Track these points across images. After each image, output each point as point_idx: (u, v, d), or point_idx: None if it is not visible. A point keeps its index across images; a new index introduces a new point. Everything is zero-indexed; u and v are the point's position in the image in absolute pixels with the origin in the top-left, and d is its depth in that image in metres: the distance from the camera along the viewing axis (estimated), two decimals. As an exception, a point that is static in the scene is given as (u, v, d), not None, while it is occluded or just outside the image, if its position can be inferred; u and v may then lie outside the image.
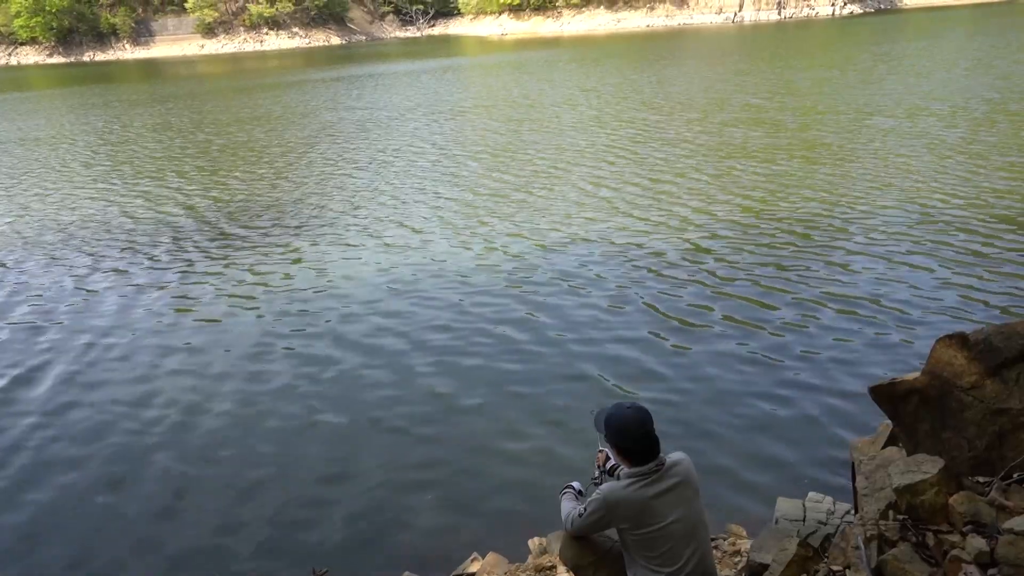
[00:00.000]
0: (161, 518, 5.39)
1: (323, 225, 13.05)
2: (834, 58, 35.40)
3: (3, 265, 11.64)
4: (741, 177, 14.54)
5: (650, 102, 25.28)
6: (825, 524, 3.71)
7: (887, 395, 2.17)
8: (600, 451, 3.53)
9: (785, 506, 3.99)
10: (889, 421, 3.62)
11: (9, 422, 6.87)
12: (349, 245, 11.85)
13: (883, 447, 3.03)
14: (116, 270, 11.08)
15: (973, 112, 19.34)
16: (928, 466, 1.94)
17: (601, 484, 3.41)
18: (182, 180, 17.46)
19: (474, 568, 4.49)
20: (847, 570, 2.98)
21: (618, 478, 3.41)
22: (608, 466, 3.47)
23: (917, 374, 2.28)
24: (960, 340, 2.19)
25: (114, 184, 17.43)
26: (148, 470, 6.00)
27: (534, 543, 4.61)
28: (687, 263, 9.98)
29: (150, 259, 11.53)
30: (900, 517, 1.86)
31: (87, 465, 6.12)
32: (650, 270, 9.86)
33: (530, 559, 4.49)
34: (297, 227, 13.03)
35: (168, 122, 28.21)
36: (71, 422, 6.82)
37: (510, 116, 24.65)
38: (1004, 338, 2.29)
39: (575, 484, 3.46)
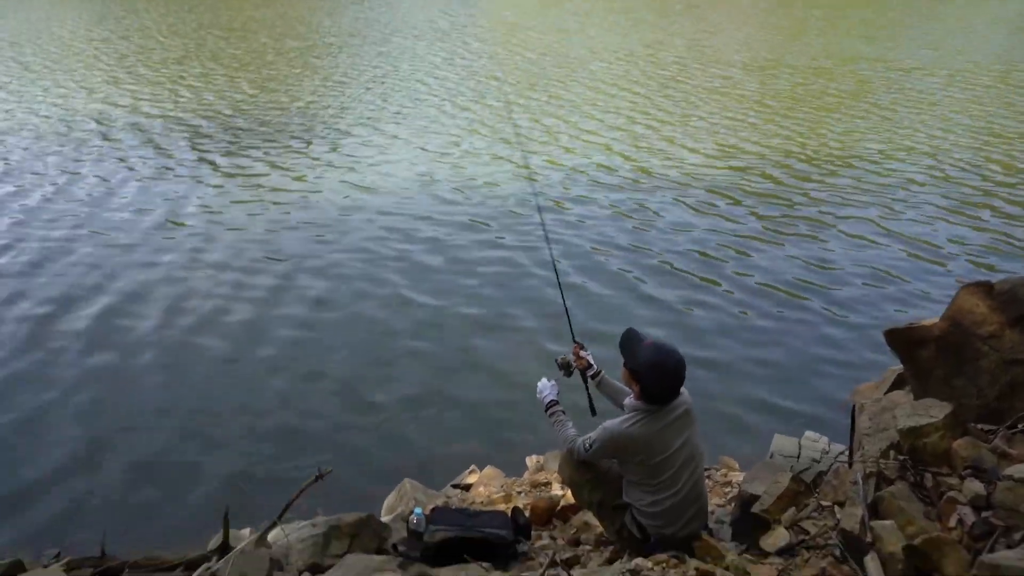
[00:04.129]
0: (192, 415, 5.49)
1: (345, 132, 12.88)
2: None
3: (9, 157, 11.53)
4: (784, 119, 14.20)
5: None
6: (819, 462, 3.78)
7: (903, 339, 2.16)
8: (583, 351, 3.50)
9: (781, 442, 4.05)
10: (895, 367, 3.64)
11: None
12: (377, 149, 11.74)
13: (886, 392, 3.05)
14: (130, 168, 11.02)
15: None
16: (936, 410, 1.95)
17: (568, 372, 3.46)
18: (204, 82, 17.11)
19: (472, 479, 4.63)
20: (836, 505, 3.06)
21: (596, 382, 3.45)
22: (589, 373, 3.49)
23: (936, 320, 2.26)
24: (985, 289, 2.16)
25: (132, 83, 17.11)
26: (164, 366, 6.12)
27: (531, 460, 4.74)
28: (717, 198, 9.89)
29: (168, 159, 11.41)
30: (900, 458, 1.88)
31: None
32: (676, 200, 9.80)
33: (526, 475, 4.63)
34: (322, 133, 12.87)
35: (193, 21, 27.41)
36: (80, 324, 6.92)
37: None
38: (1028, 291, 2.25)
39: (554, 396, 3.40)
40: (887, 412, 2.13)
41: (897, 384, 2.79)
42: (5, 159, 11.26)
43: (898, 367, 3.59)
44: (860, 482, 1.87)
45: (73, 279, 7.54)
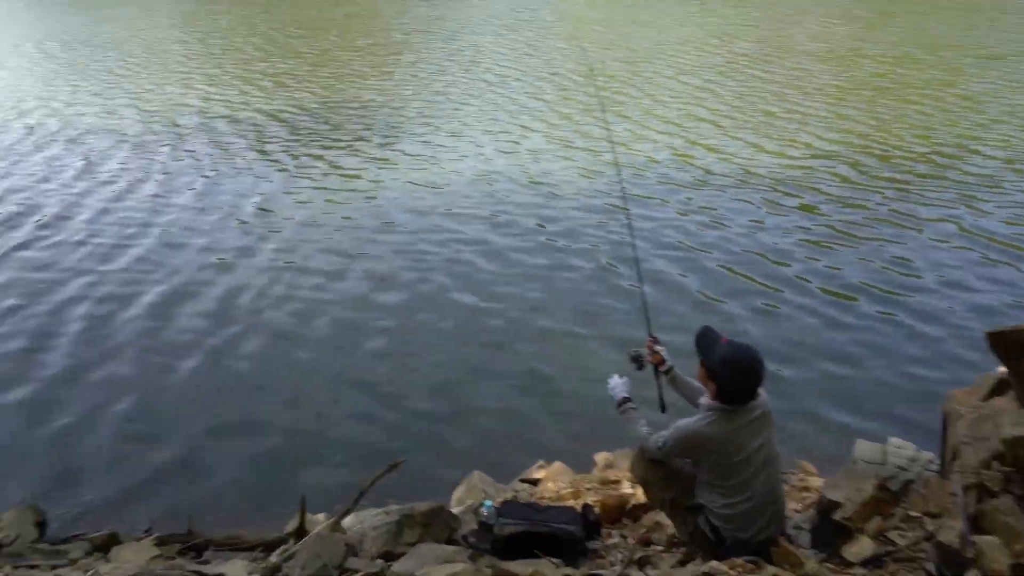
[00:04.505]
0: (271, 405, 5.68)
1: (413, 131, 13.09)
2: None
3: (90, 155, 12.13)
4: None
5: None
6: (906, 470, 3.60)
7: (1008, 342, 2.02)
8: (657, 345, 3.45)
9: (864, 448, 3.88)
10: (992, 372, 3.43)
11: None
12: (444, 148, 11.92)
13: (984, 399, 2.88)
14: (199, 166, 11.44)
15: None
16: (1045, 420, 1.82)
17: (640, 366, 3.42)
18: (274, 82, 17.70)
19: (540, 475, 4.63)
20: (927, 517, 2.91)
21: (669, 378, 3.38)
22: (663, 368, 3.43)
23: (1045, 322, 2.12)
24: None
25: (205, 82, 17.84)
26: (235, 354, 6.38)
27: (600, 457, 4.70)
28: (791, 195, 9.60)
29: (236, 158, 11.80)
30: (1005, 469, 1.77)
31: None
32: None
33: (595, 471, 4.59)
34: (390, 131, 13.13)
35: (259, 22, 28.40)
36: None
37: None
38: None
39: (626, 391, 3.35)
40: (988, 420, 2.00)
41: (997, 391, 2.62)
42: (86, 157, 11.81)
43: (993, 372, 3.38)
44: (960, 494, 1.76)
45: (160, 274, 7.85)
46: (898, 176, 10.14)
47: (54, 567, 3.68)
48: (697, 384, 3.27)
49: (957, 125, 12.30)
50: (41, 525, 4.29)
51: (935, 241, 8.14)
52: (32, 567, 3.65)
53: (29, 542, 3.99)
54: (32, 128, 13.61)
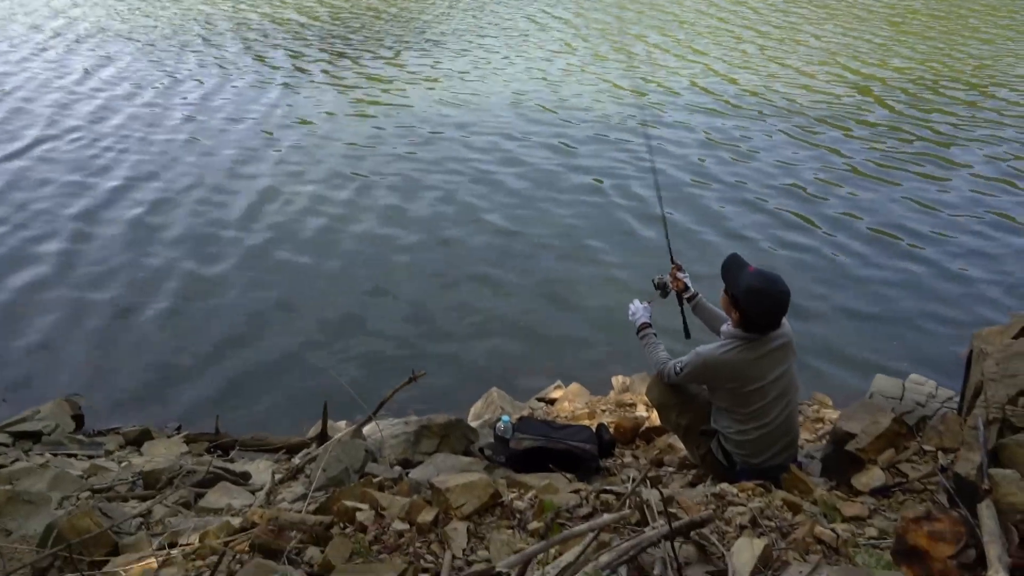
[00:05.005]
0: (298, 317, 5.77)
1: (447, 43, 12.72)
2: None
3: (110, 58, 11.99)
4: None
5: None
6: (923, 406, 3.60)
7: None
8: (681, 272, 3.44)
9: (883, 383, 3.88)
10: (1022, 313, 3.36)
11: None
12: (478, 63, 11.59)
13: (1014, 337, 2.83)
14: (226, 74, 11.28)
15: None
16: (1077, 359, 1.78)
17: (664, 293, 3.41)
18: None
19: (557, 394, 4.71)
20: (941, 452, 2.91)
21: (692, 305, 3.38)
22: (687, 295, 3.42)
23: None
24: None
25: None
26: (260, 265, 6.45)
27: (617, 380, 4.75)
28: (832, 127, 9.25)
29: (264, 66, 11.62)
30: (1031, 406, 1.75)
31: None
32: (785, 128, 9.22)
33: (612, 394, 4.66)
34: (424, 43, 12.76)
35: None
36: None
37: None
38: None
39: (647, 317, 3.34)
40: (1018, 357, 1.97)
41: (1027, 331, 2.57)
42: (115, 62, 11.67)
43: (1025, 314, 3.32)
44: (981, 427, 1.75)
45: (184, 181, 7.89)
46: (942, 109, 9.70)
47: (91, 457, 3.87)
48: (720, 312, 3.25)
49: (1001, 59, 11.63)
50: (78, 419, 4.50)
51: (973, 180, 7.85)
52: (70, 455, 3.85)
53: (67, 433, 4.19)
54: (40, 30, 13.34)
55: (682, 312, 3.46)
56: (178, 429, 4.49)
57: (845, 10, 14.69)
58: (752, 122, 9.40)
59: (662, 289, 3.43)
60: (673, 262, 3.50)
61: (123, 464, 3.76)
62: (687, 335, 3.43)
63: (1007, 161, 8.28)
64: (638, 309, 3.42)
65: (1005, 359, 2.04)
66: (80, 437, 4.22)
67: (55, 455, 3.82)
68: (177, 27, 13.61)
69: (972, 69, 11.19)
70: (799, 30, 13.35)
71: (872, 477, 2.85)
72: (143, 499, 3.16)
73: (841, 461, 3.08)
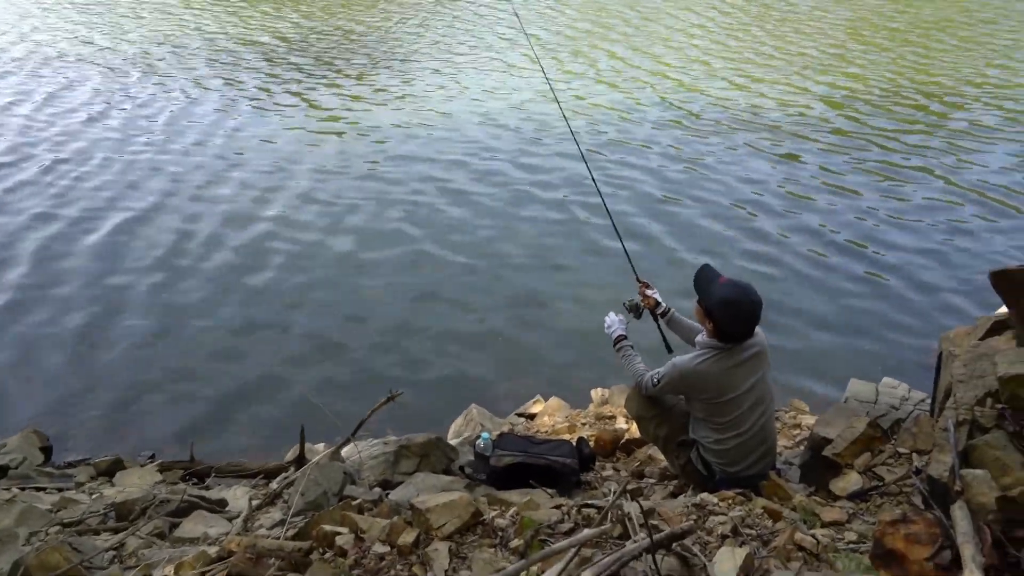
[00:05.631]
0: (269, 338, 5.72)
1: (413, 59, 12.75)
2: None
3: (74, 83, 11.85)
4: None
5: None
6: (897, 409, 3.65)
7: (1011, 281, 2.01)
8: (649, 290, 3.46)
9: (857, 387, 3.93)
10: (988, 315, 3.43)
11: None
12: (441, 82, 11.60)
13: (980, 339, 2.88)
14: (189, 90, 11.16)
15: None
16: (1041, 359, 1.83)
17: (638, 314, 3.42)
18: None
19: (536, 409, 4.70)
20: (915, 453, 2.96)
21: (666, 320, 3.40)
22: (659, 311, 3.45)
23: (1049, 263, 2.09)
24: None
25: (184, 9, 17.25)
26: (233, 288, 6.38)
27: (596, 393, 4.76)
28: (809, 129, 9.40)
29: (232, 83, 11.54)
30: (999, 406, 1.78)
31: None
32: (751, 141, 9.36)
33: (591, 407, 4.66)
34: (389, 61, 12.78)
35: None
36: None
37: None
38: None
39: (622, 330, 3.37)
40: (985, 359, 2.01)
41: (994, 331, 2.62)
42: (79, 86, 11.43)
43: (991, 315, 3.39)
44: (951, 429, 1.78)
45: (148, 205, 7.75)
46: (905, 119, 9.94)
47: (60, 490, 3.77)
48: (695, 323, 3.28)
49: (959, 71, 11.94)
50: (47, 450, 4.38)
51: (935, 189, 8.01)
52: (38, 489, 3.74)
53: (35, 466, 4.08)
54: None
55: (659, 328, 3.48)
56: (151, 457, 4.40)
57: (806, 24, 15.02)
58: (719, 136, 9.51)
59: (635, 311, 3.45)
60: (639, 280, 3.53)
61: (94, 496, 3.67)
62: (669, 350, 3.44)
63: (968, 170, 8.47)
64: (614, 322, 3.43)
65: (972, 360, 2.08)
66: (49, 469, 4.11)
67: (23, 489, 3.71)
68: (142, 51, 13.44)
69: (932, 80, 11.49)
70: (762, 42, 13.62)
71: (849, 482, 2.88)
72: (115, 531, 3.09)
73: (819, 466, 3.11)
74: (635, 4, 16.73)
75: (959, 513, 1.58)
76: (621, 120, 9.86)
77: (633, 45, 13.57)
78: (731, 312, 2.96)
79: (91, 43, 13.83)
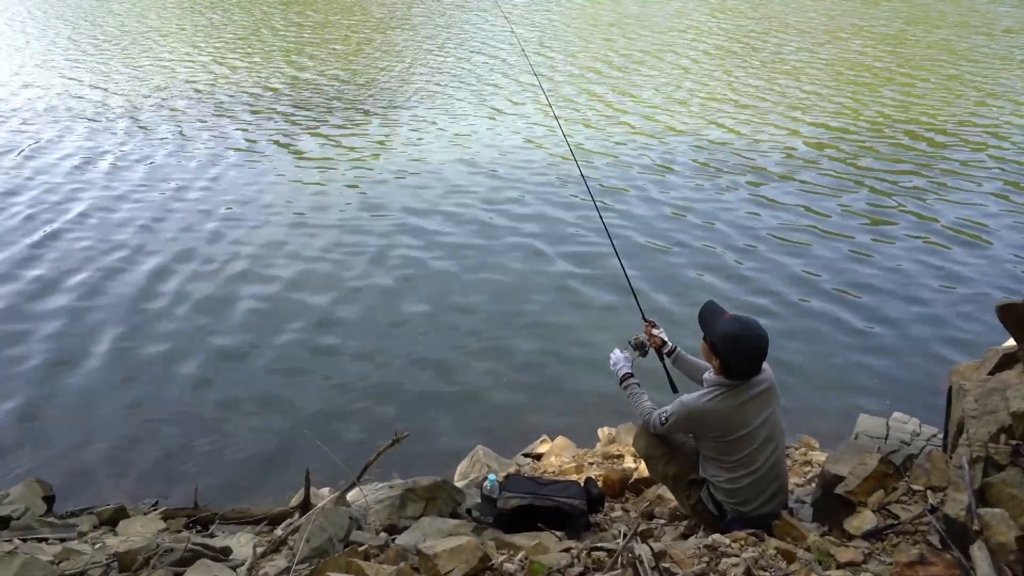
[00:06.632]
0: (274, 381, 5.70)
1: (416, 105, 12.94)
2: None
3: (60, 136, 11.84)
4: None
5: None
6: (909, 445, 3.61)
7: (1019, 314, 2.00)
8: (655, 329, 3.45)
9: (867, 423, 3.89)
10: (998, 347, 3.41)
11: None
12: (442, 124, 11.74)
13: (990, 373, 2.86)
14: (174, 142, 11.20)
15: None
16: (1053, 393, 1.81)
17: (643, 352, 3.42)
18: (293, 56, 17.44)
19: (543, 449, 4.65)
20: (929, 491, 2.91)
21: (672, 359, 3.38)
22: (665, 350, 3.44)
23: (1056, 296, 2.09)
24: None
25: (206, 53, 17.65)
26: (230, 332, 6.38)
27: (603, 432, 4.72)
28: (798, 168, 9.46)
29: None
30: (1013, 442, 1.76)
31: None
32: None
33: (598, 446, 4.61)
34: (387, 107, 12.97)
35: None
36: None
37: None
38: None
39: (629, 368, 3.36)
40: (996, 393, 1.99)
41: (1004, 364, 2.60)
42: (64, 139, 11.41)
43: (1000, 347, 3.37)
44: (966, 466, 1.76)
45: (139, 253, 7.74)
46: (896, 159, 9.98)
47: (63, 540, 3.72)
48: (701, 362, 3.26)
49: (945, 110, 12.02)
50: (49, 499, 4.33)
51: (925, 232, 7.89)
52: (41, 540, 3.69)
53: (38, 516, 4.03)
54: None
55: (665, 367, 3.46)
56: (155, 505, 4.35)
57: (791, 64, 15.25)
58: (707, 179, 9.38)
59: (640, 348, 3.44)
60: (646, 319, 3.52)
61: (97, 546, 3.61)
62: (674, 390, 3.42)
63: (955, 208, 8.38)
64: (619, 359, 3.42)
65: (983, 395, 2.06)
66: (51, 519, 4.06)
67: (24, 540, 3.66)
68: (131, 101, 13.46)
69: (918, 119, 11.56)
70: (745, 83, 13.81)
71: (864, 520, 2.83)
72: (118, 582, 3.03)
73: (831, 505, 3.06)
74: (617, 49, 17.02)
75: (979, 554, 1.55)
76: (607, 166, 9.79)
77: (618, 88, 13.69)
78: (737, 347, 2.94)
79: (80, 96, 13.94)
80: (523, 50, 14.50)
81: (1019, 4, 20.69)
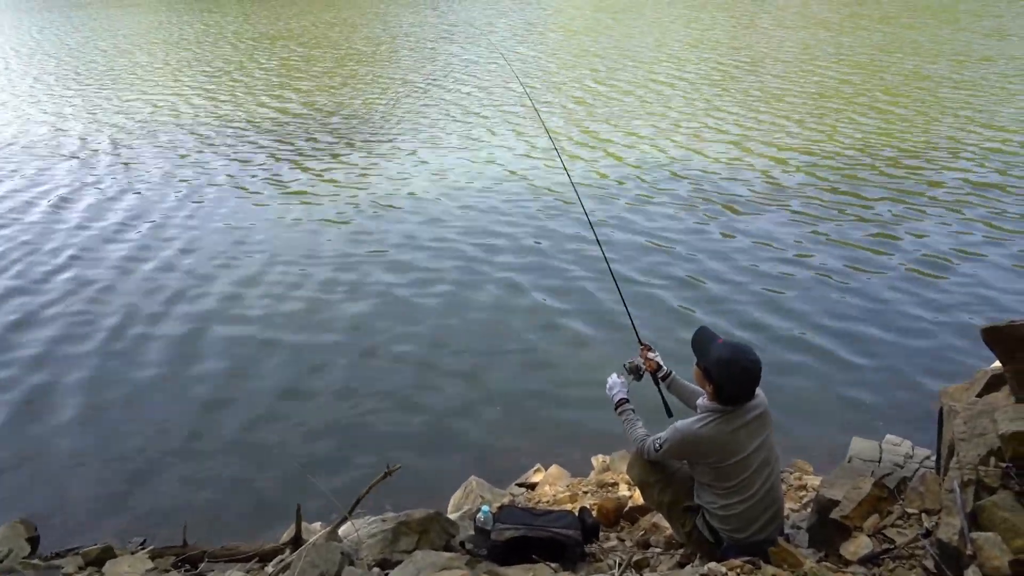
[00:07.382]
0: (262, 414, 5.64)
1: (403, 135, 13.04)
2: None
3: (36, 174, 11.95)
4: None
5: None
6: (902, 467, 3.61)
7: (1004, 337, 2.02)
8: (651, 353, 3.46)
9: (860, 446, 3.89)
10: (987, 368, 3.44)
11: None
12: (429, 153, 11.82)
13: (979, 395, 2.88)
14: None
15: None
16: (1040, 414, 1.82)
17: (639, 376, 3.42)
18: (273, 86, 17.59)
19: (537, 478, 4.62)
20: (924, 514, 2.91)
21: (667, 383, 3.39)
22: (660, 374, 3.44)
23: (1039, 317, 2.12)
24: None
25: (188, 85, 17.77)
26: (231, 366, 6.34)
27: (597, 460, 4.69)
28: (780, 196, 9.56)
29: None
30: (1003, 465, 1.77)
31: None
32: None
33: (592, 475, 4.58)
34: (375, 136, 13.06)
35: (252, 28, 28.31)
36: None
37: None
38: None
39: (624, 393, 3.36)
40: (985, 415, 2.01)
41: (992, 386, 2.62)
42: (42, 175, 11.43)
43: (988, 368, 3.40)
44: (957, 490, 1.76)
45: (118, 286, 7.76)
46: (883, 186, 10.10)
47: (47, 582, 3.64)
48: (696, 387, 3.27)
49: (925, 133, 12.18)
50: (34, 540, 4.24)
51: (908, 261, 7.88)
52: (25, 583, 3.61)
53: (22, 557, 3.94)
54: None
55: (660, 392, 3.46)
56: (142, 544, 4.26)
57: (773, 92, 15.50)
58: (688, 210, 9.28)
59: (635, 373, 3.45)
60: (641, 343, 3.54)
61: (83, 587, 3.54)
62: (669, 414, 3.42)
63: (939, 232, 8.44)
64: (615, 384, 3.42)
65: (972, 417, 2.08)
66: (36, 561, 3.96)
67: (9, 582, 3.58)
68: (112, 137, 13.47)
69: (901, 147, 11.70)
70: (728, 112, 14.02)
71: (860, 545, 2.82)
72: (104, 625, 2.96)
73: (827, 530, 3.05)
74: (600, 79, 17.26)
75: (973, 578, 1.55)
76: (592, 196, 9.77)
77: (603, 118, 13.84)
78: (730, 372, 2.94)
79: (62, 130, 13.94)
80: (523, 89, 14.64)
81: (990, 34, 21.21)
